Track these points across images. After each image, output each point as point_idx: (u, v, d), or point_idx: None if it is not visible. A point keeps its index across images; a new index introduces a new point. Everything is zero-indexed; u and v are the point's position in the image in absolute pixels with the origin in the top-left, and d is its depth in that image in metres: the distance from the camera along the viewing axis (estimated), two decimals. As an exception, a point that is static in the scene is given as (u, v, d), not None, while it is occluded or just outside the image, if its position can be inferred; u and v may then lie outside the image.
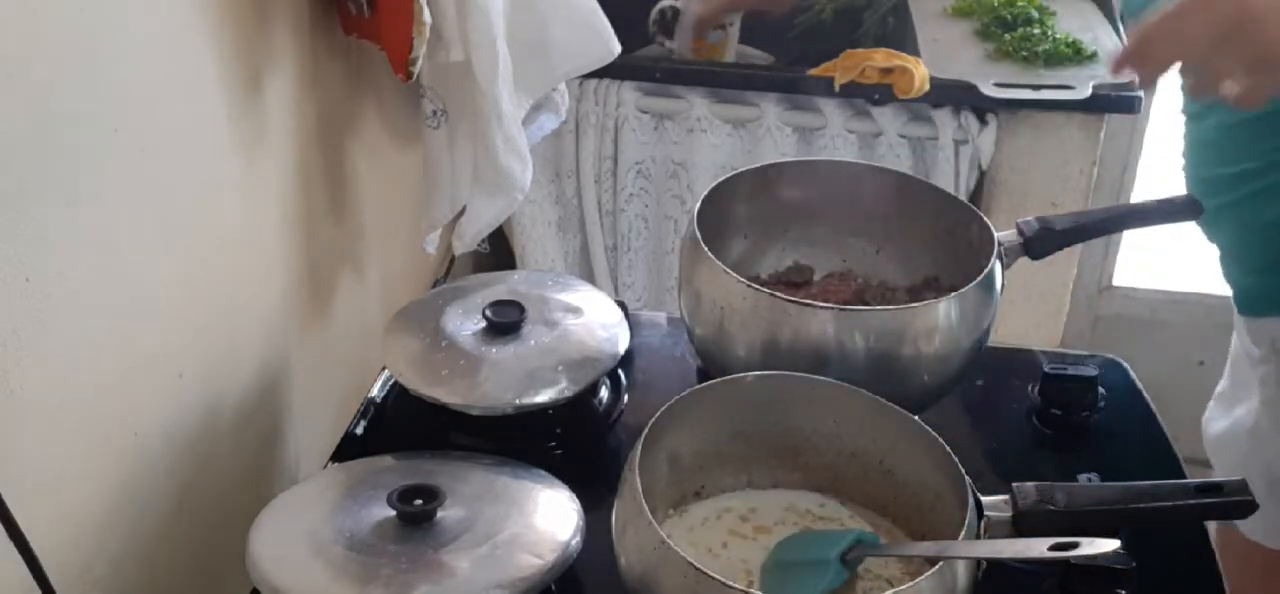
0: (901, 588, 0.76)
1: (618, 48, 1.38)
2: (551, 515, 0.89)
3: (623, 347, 1.06)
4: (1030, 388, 1.11)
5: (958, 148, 1.76)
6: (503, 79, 1.22)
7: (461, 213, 1.34)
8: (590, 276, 1.93)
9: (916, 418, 0.89)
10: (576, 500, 0.91)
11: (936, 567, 0.78)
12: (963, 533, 0.80)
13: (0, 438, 0.76)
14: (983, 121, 1.75)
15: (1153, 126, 2.18)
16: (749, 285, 1.00)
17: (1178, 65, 0.88)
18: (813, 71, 1.75)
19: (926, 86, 1.71)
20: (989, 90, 1.71)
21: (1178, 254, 2.26)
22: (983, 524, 0.82)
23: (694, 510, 0.94)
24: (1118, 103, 1.73)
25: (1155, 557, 0.89)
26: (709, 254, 1.02)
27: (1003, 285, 1.05)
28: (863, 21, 1.98)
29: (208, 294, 1.01)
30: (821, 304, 0.99)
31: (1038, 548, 0.75)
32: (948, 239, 1.12)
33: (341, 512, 0.88)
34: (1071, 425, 1.09)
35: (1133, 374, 1.17)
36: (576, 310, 1.08)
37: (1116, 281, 2.35)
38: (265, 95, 1.07)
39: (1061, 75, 1.75)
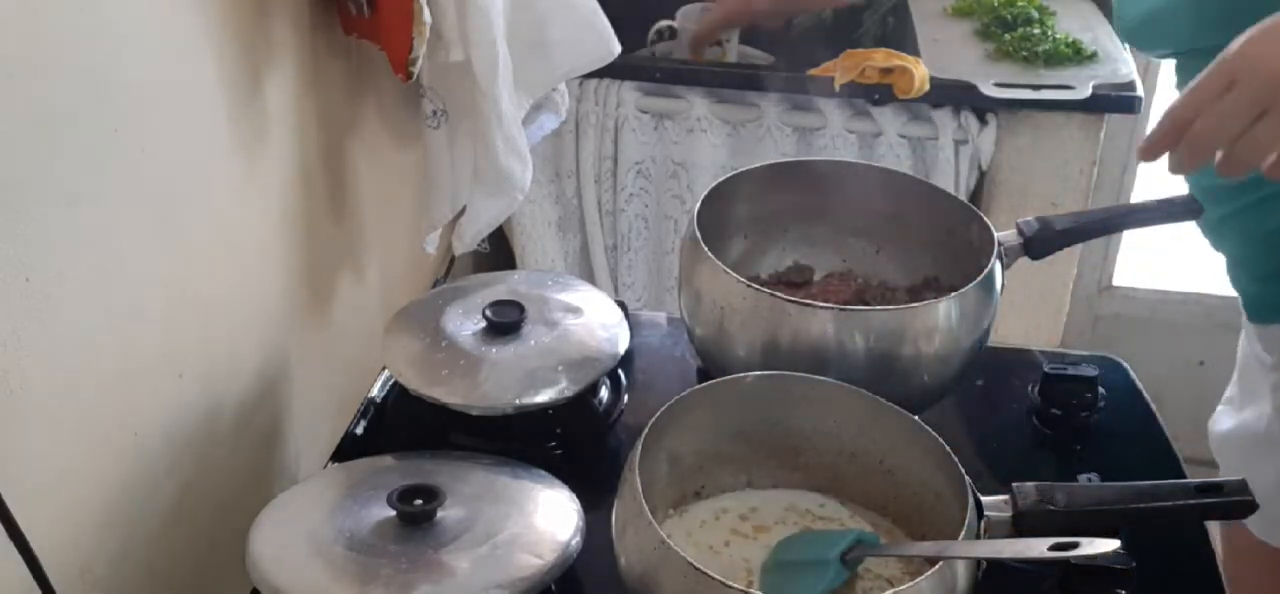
0: (901, 588, 0.76)
1: (618, 48, 1.38)
2: (551, 515, 0.89)
3: (623, 347, 1.06)
4: (1030, 388, 1.11)
5: (958, 148, 1.76)
6: (503, 79, 1.22)
7: (461, 213, 1.34)
8: (590, 276, 1.93)
9: (916, 418, 0.89)
10: (576, 500, 0.91)
11: (936, 567, 0.78)
12: (963, 533, 0.80)
13: (0, 438, 0.76)
14: (983, 121, 1.75)
15: (1153, 127, 2.18)
16: (749, 285, 1.00)
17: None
18: (813, 71, 1.75)
19: (926, 86, 1.71)
20: (989, 90, 1.72)
21: (1178, 254, 2.26)
22: (983, 524, 0.82)
23: (694, 510, 0.94)
24: (1118, 103, 1.73)
25: (1155, 557, 0.89)
26: (709, 254, 1.02)
27: (1003, 285, 1.05)
28: (863, 21, 1.98)
29: (208, 294, 1.01)
30: (821, 304, 0.99)
31: (1038, 548, 0.75)
32: (948, 239, 1.12)
33: (341, 512, 0.88)
34: (1071, 425, 1.09)
35: (1133, 374, 1.17)
36: (576, 310, 1.08)
37: (1116, 281, 2.35)
38: (265, 95, 1.07)
39: (1061, 75, 1.75)
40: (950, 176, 1.76)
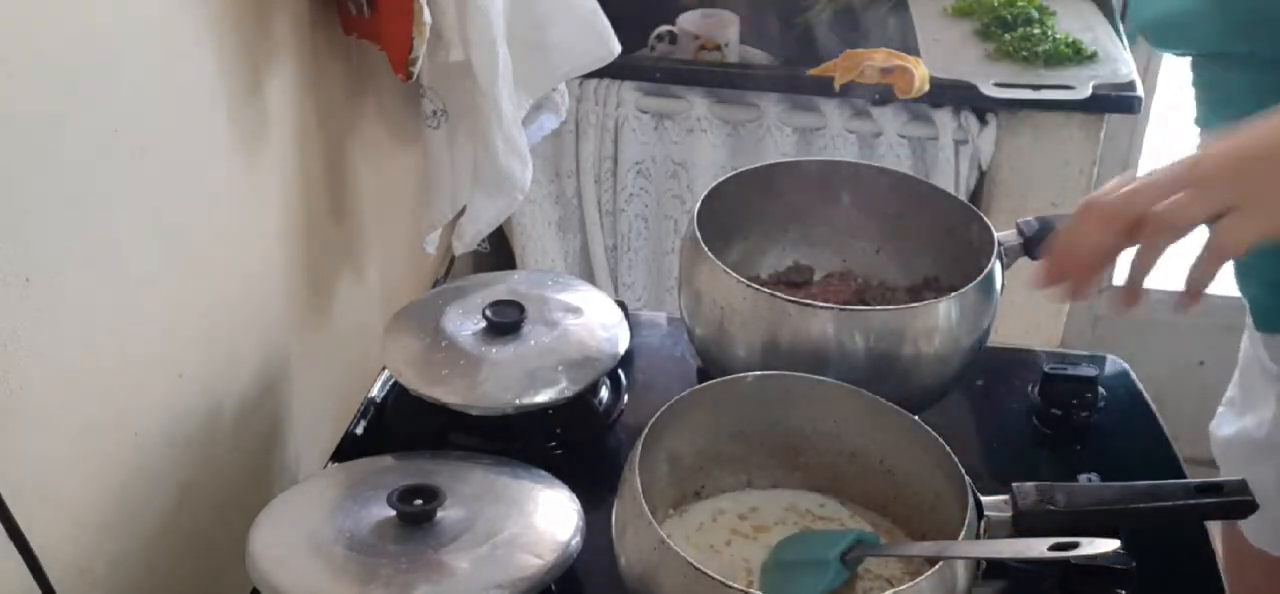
0: (901, 588, 0.76)
1: (618, 48, 1.38)
2: (551, 515, 0.89)
3: (623, 347, 1.06)
4: (1030, 388, 1.11)
5: (958, 148, 1.76)
6: (503, 79, 1.22)
7: (461, 213, 1.34)
8: (590, 276, 1.93)
9: (916, 418, 0.89)
10: (576, 500, 0.91)
11: (936, 567, 0.78)
12: (963, 533, 0.80)
13: (0, 438, 0.76)
14: (983, 121, 1.75)
15: (1153, 126, 2.18)
16: (749, 285, 1.00)
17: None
18: (813, 71, 1.75)
19: (926, 86, 1.71)
20: (989, 90, 1.72)
21: (1178, 254, 2.25)
22: (983, 524, 0.82)
23: (694, 510, 0.94)
24: (1118, 103, 1.73)
25: (1155, 557, 0.89)
26: (709, 254, 1.02)
27: (1003, 285, 1.05)
28: (863, 21, 1.98)
29: (208, 294, 1.01)
30: (821, 304, 0.99)
31: (1038, 548, 0.75)
32: (948, 239, 1.12)
33: (341, 512, 0.88)
34: (1071, 425, 1.09)
35: (1133, 374, 1.17)
36: (576, 310, 1.08)
37: (1117, 281, 2.35)
38: (265, 95, 1.07)
39: (1061, 75, 1.75)
40: (950, 176, 1.76)
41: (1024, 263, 1.09)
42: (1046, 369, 1.10)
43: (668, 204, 1.88)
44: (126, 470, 0.91)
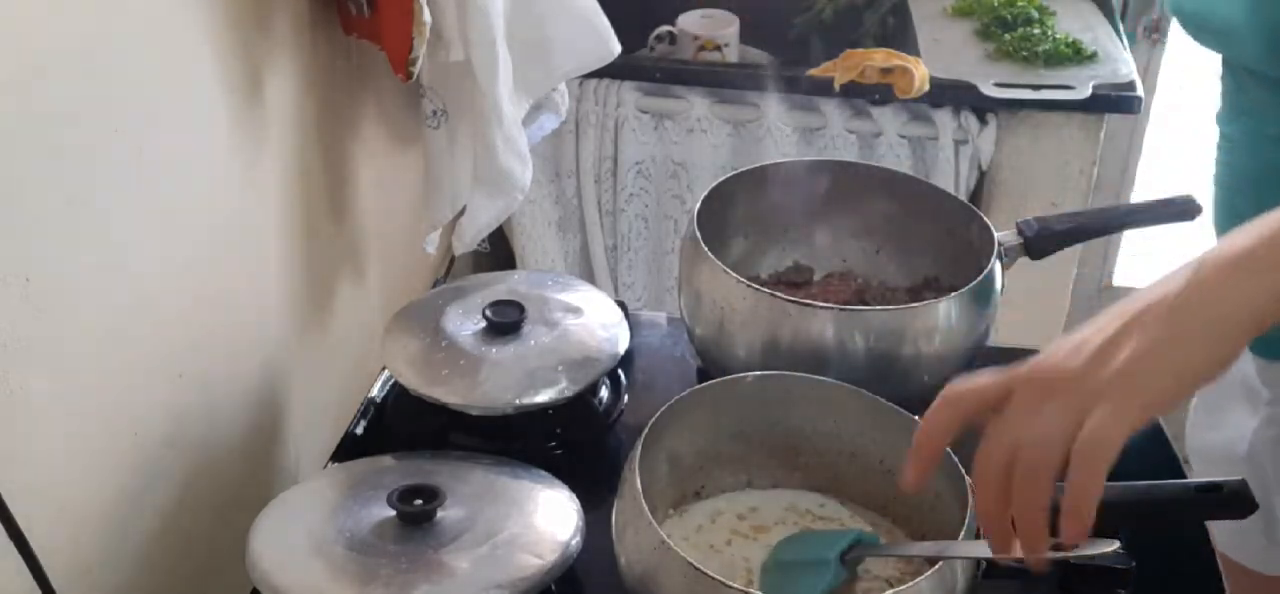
0: (901, 588, 0.76)
1: (618, 48, 1.38)
2: (551, 515, 0.89)
3: (623, 347, 1.06)
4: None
5: (958, 148, 1.76)
6: (503, 79, 1.22)
7: (461, 213, 1.34)
8: (590, 276, 1.93)
9: (916, 418, 0.89)
10: (576, 500, 0.91)
11: (936, 567, 0.78)
12: (962, 533, 0.80)
13: (0, 438, 0.76)
14: (983, 121, 1.75)
15: (1153, 126, 2.18)
16: (749, 285, 1.00)
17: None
18: (813, 71, 1.75)
19: (926, 86, 1.71)
20: (989, 90, 1.72)
21: (1178, 254, 2.25)
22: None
23: (694, 510, 0.94)
24: (1118, 103, 1.73)
25: (1155, 557, 0.89)
26: (709, 254, 1.02)
27: (1003, 285, 1.05)
28: (863, 21, 1.98)
29: (208, 295, 1.01)
30: (821, 304, 0.99)
31: None
32: (948, 239, 1.12)
33: (341, 512, 0.88)
34: (1071, 425, 1.08)
35: (1132, 374, 1.16)
36: (576, 310, 1.08)
37: (1116, 282, 2.35)
38: (265, 95, 1.07)
39: (1061, 75, 1.75)
40: (950, 176, 1.76)
41: (1024, 263, 1.09)
42: (1046, 369, 1.10)
43: (668, 204, 1.88)
44: (126, 470, 0.91)
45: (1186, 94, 2.24)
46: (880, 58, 1.72)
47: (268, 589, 0.82)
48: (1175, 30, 2.10)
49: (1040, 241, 1.08)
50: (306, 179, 1.17)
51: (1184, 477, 1.02)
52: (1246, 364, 1.15)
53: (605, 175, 1.87)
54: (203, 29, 0.96)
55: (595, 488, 0.92)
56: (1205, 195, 1.13)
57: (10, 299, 0.75)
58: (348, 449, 1.05)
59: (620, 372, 1.10)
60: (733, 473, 0.96)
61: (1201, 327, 0.66)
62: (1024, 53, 1.80)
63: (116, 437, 0.90)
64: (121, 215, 0.87)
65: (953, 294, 1.00)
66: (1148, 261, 2.35)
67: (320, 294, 1.25)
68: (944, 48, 1.85)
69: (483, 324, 1.05)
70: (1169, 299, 0.67)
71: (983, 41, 1.86)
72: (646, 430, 0.85)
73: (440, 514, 0.86)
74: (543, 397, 1.00)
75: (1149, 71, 2.12)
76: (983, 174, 1.79)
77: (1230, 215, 1.07)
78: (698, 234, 1.04)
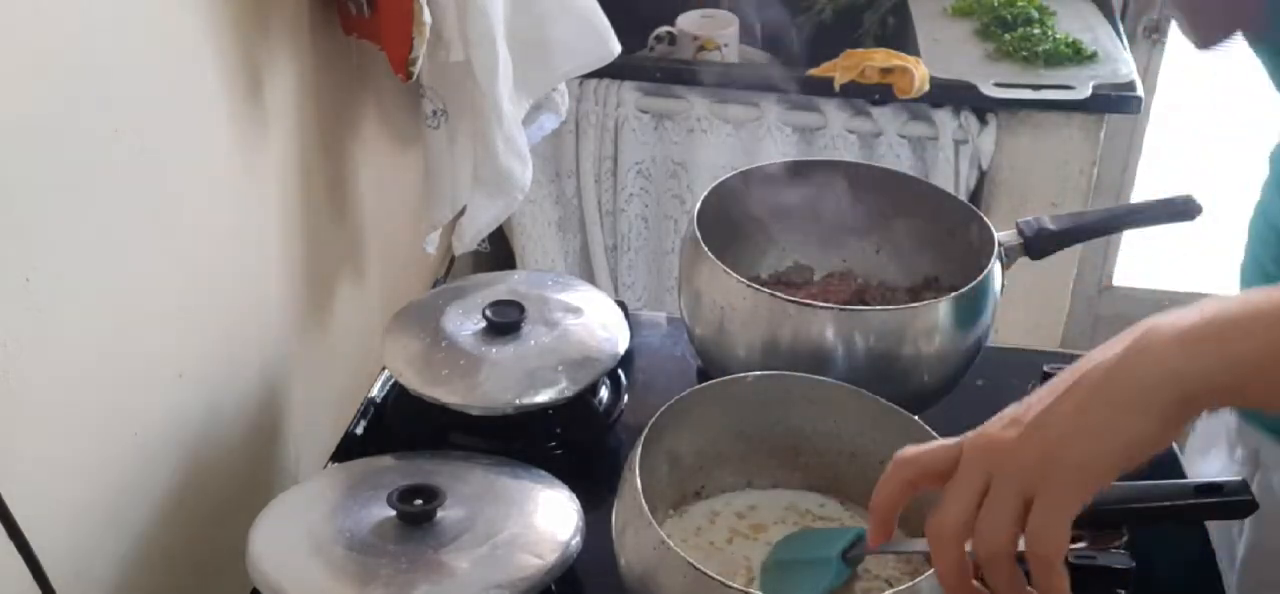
0: (901, 588, 0.76)
1: (618, 48, 1.38)
2: (551, 515, 0.89)
3: (623, 347, 1.06)
4: (1030, 388, 1.11)
5: (958, 148, 1.76)
6: (503, 79, 1.22)
7: (462, 213, 1.34)
8: (590, 276, 1.93)
9: (916, 418, 0.89)
10: (576, 500, 0.91)
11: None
12: (963, 533, 0.79)
13: (1, 438, 0.76)
14: (983, 121, 1.75)
15: (1153, 126, 2.18)
16: (749, 285, 1.00)
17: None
18: (813, 71, 1.75)
19: (926, 86, 1.71)
20: (989, 90, 1.72)
21: (1178, 254, 2.26)
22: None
23: (694, 510, 0.94)
24: (1118, 103, 1.73)
25: (1155, 557, 0.89)
26: (709, 254, 1.02)
27: (1003, 285, 1.05)
28: (863, 21, 1.98)
29: (208, 294, 1.01)
30: (821, 304, 0.99)
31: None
32: (948, 239, 1.12)
33: (341, 512, 0.88)
34: (1071, 425, 1.08)
35: (1132, 374, 1.16)
36: (576, 310, 1.08)
37: (1116, 282, 2.35)
38: (265, 95, 1.07)
39: (1061, 75, 1.75)
40: (950, 176, 1.76)
41: (1024, 263, 1.09)
42: (1046, 369, 1.10)
43: (668, 204, 1.88)
44: (126, 470, 0.91)
45: (1186, 94, 2.24)
46: (880, 58, 1.72)
47: (268, 589, 0.82)
48: (1175, 30, 2.10)
49: (1040, 241, 1.08)
50: (306, 179, 1.17)
51: (1184, 476, 1.01)
52: (1231, 420, 1.13)
53: (605, 175, 1.87)
54: (203, 29, 0.96)
55: (595, 488, 0.92)
56: (1205, 196, 1.13)
57: (10, 299, 0.75)
58: (348, 449, 1.05)
59: (620, 372, 1.10)
60: (733, 473, 0.96)
61: (1132, 398, 0.65)
62: (1024, 53, 1.80)
63: (116, 437, 0.90)
64: (121, 215, 0.87)
65: (953, 294, 1.00)
66: (1148, 262, 2.35)
67: (320, 294, 1.25)
68: (944, 48, 1.85)
69: (483, 324, 1.05)
70: (1105, 366, 0.66)
71: (983, 41, 1.86)
72: (646, 430, 0.85)
73: (440, 514, 0.86)
74: (543, 397, 1.00)
75: (1149, 71, 2.12)
76: (983, 174, 1.79)
77: (1261, 276, 1.03)
78: (698, 234, 1.04)
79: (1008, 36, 1.83)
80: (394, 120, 1.39)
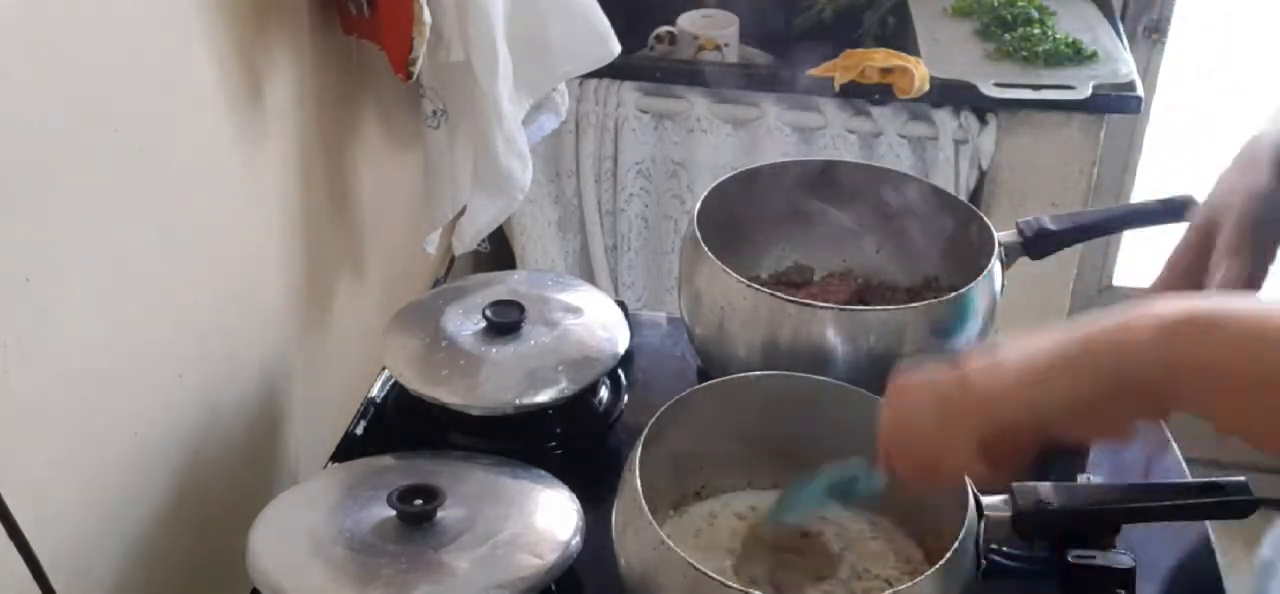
0: (901, 588, 0.76)
1: (617, 48, 1.38)
2: (551, 515, 0.89)
3: (623, 347, 1.06)
4: (1030, 388, 1.11)
5: (958, 148, 1.76)
6: (503, 79, 1.22)
7: (462, 213, 1.34)
8: (590, 276, 1.93)
9: (916, 418, 0.89)
10: (576, 500, 0.91)
11: (937, 567, 0.78)
12: (962, 532, 0.80)
13: (1, 438, 0.76)
14: (983, 121, 1.75)
15: (1153, 126, 2.18)
16: (749, 285, 1.00)
17: None
18: (813, 71, 1.75)
19: (926, 86, 1.71)
20: (989, 90, 1.72)
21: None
22: (982, 525, 0.82)
23: (694, 510, 0.94)
24: (1118, 103, 1.73)
25: (1155, 557, 0.89)
26: (709, 254, 1.02)
27: (1003, 285, 1.05)
28: (863, 21, 1.98)
29: (208, 294, 1.01)
30: (821, 304, 1.00)
31: None
32: (948, 239, 1.12)
33: (341, 512, 0.88)
34: (1071, 425, 1.08)
35: (1132, 374, 1.16)
36: (576, 310, 1.08)
37: (1116, 282, 2.35)
38: (265, 95, 1.07)
39: (1061, 75, 1.75)
40: (950, 176, 1.76)
41: (1024, 263, 1.09)
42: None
43: (668, 204, 1.88)
44: (126, 470, 0.91)
45: (1186, 94, 2.24)
46: (880, 58, 1.72)
47: (268, 589, 0.82)
48: (1175, 30, 2.10)
49: (1040, 241, 1.08)
50: (306, 179, 1.17)
51: (1185, 477, 1.01)
52: None
53: (605, 175, 1.87)
54: (203, 29, 0.96)
55: (595, 488, 0.92)
56: (1205, 196, 1.12)
57: (10, 299, 0.75)
58: (348, 449, 1.05)
59: (620, 372, 1.10)
60: (733, 473, 0.96)
61: (1079, 366, 0.66)
62: (1024, 53, 1.80)
63: (116, 437, 0.90)
64: (121, 215, 0.87)
65: (953, 294, 1.00)
66: (1148, 262, 2.35)
67: (320, 294, 1.25)
68: (944, 48, 1.85)
69: (483, 324, 1.05)
70: (1084, 328, 0.67)
71: (983, 41, 1.86)
72: (646, 430, 0.85)
73: (440, 514, 0.86)
74: (543, 397, 1.00)
75: (1149, 71, 2.12)
76: (983, 174, 1.79)
77: None
78: (698, 234, 1.04)
79: (1008, 36, 1.83)
80: (394, 120, 1.39)
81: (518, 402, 0.99)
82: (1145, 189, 2.21)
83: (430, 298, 1.11)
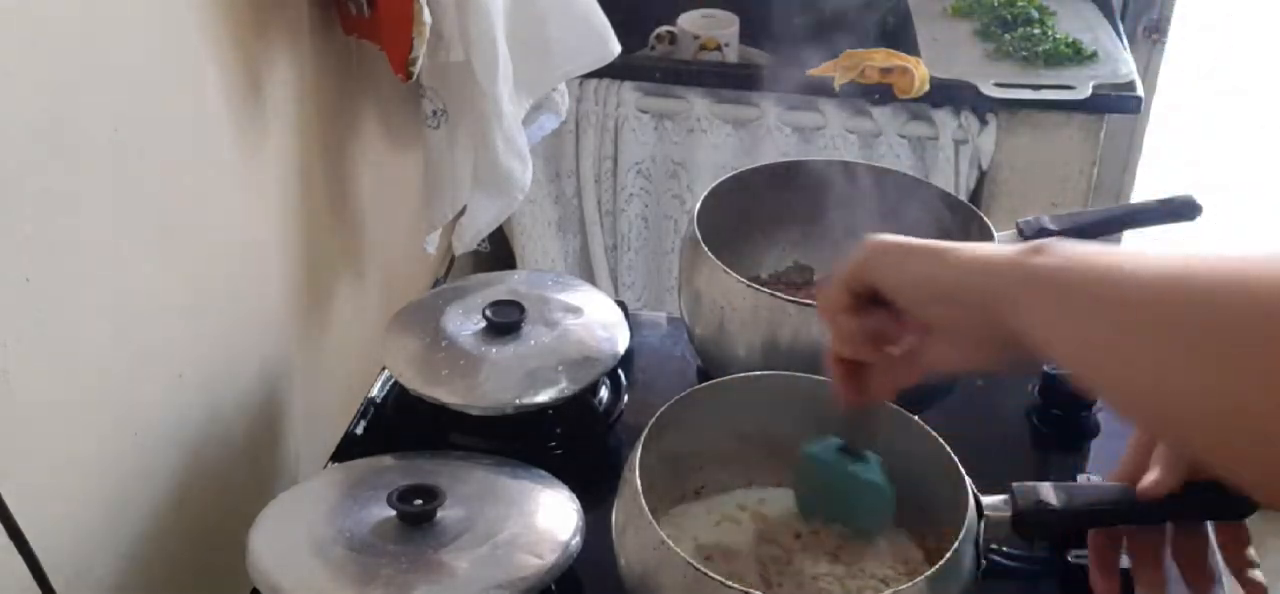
0: (901, 588, 0.76)
1: (617, 48, 1.38)
2: (551, 515, 0.89)
3: (623, 347, 1.06)
4: (1030, 388, 1.11)
5: (958, 148, 1.76)
6: (503, 79, 1.22)
7: (462, 213, 1.34)
8: (590, 277, 1.93)
9: (916, 418, 0.89)
10: (576, 500, 0.91)
11: (935, 568, 0.78)
12: (962, 532, 0.80)
13: (0, 438, 0.76)
14: (983, 121, 1.75)
15: (1153, 126, 2.18)
16: (749, 285, 1.00)
17: None
18: (813, 71, 1.75)
19: (926, 86, 1.71)
20: (989, 90, 1.72)
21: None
22: (982, 524, 0.82)
23: (694, 510, 0.94)
24: (1118, 103, 1.73)
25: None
26: (709, 254, 1.02)
27: (1003, 285, 1.05)
28: (863, 21, 1.98)
29: (208, 294, 1.01)
30: (821, 304, 0.99)
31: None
32: (948, 239, 1.12)
33: (341, 512, 0.88)
34: (1071, 425, 1.08)
35: (1133, 374, 1.16)
36: (576, 310, 1.08)
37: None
38: (265, 95, 1.07)
39: (1061, 75, 1.75)
40: (950, 176, 1.76)
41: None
42: (1046, 369, 1.10)
43: (668, 204, 1.88)
44: (126, 470, 0.91)
45: (1186, 94, 2.24)
46: (880, 58, 1.73)
47: (268, 589, 0.82)
48: (1175, 30, 2.10)
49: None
50: (306, 179, 1.17)
51: (1184, 477, 1.01)
52: None
53: (605, 175, 1.87)
54: (203, 28, 0.96)
55: (595, 488, 0.92)
56: (1205, 196, 1.13)
57: (10, 299, 0.75)
58: (348, 449, 1.05)
59: (620, 372, 1.10)
60: (733, 473, 0.96)
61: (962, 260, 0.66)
62: (1024, 53, 1.80)
63: (116, 437, 0.90)
64: (121, 215, 0.87)
65: (953, 294, 1.00)
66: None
67: (320, 294, 1.25)
68: (944, 48, 1.85)
69: (483, 324, 1.05)
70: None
71: (983, 41, 1.86)
72: (646, 430, 0.85)
73: (440, 514, 0.86)
74: (543, 397, 1.00)
75: (1149, 71, 2.12)
76: (983, 174, 1.79)
77: None
78: (698, 234, 1.04)
79: (1008, 36, 1.83)
80: (394, 120, 1.39)
81: (518, 402, 0.99)
82: (1145, 189, 2.21)
83: (430, 298, 1.11)
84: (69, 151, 0.80)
